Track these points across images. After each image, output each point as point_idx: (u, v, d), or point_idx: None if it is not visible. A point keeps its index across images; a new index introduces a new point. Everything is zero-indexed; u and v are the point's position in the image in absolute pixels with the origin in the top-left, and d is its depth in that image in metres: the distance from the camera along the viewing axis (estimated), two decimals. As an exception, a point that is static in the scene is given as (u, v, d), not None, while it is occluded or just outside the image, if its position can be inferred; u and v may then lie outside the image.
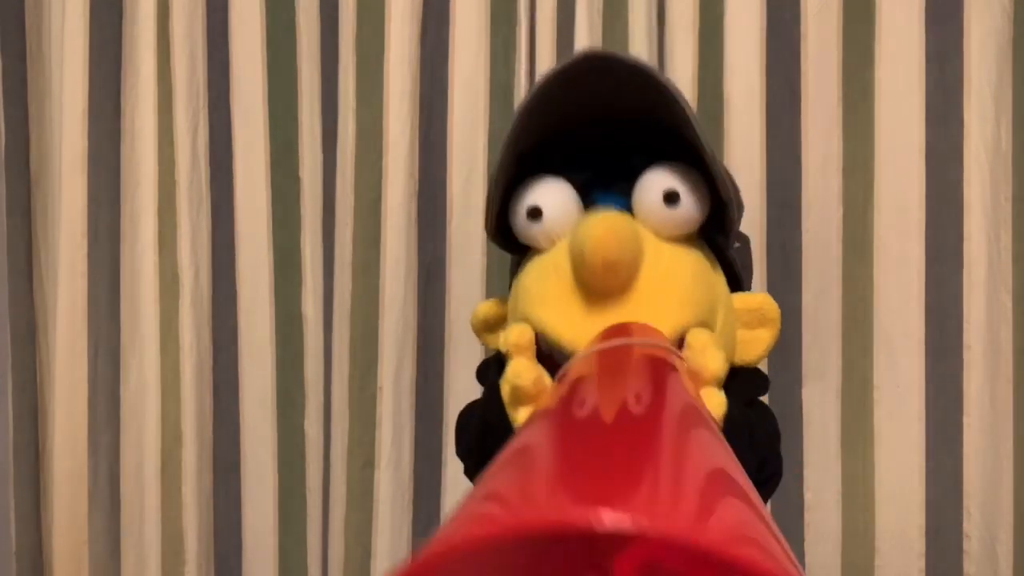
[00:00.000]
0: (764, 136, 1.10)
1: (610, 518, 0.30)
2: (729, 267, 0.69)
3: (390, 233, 1.14)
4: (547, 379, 0.60)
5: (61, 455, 1.21)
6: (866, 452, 1.11)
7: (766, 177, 1.11)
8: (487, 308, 0.73)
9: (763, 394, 0.71)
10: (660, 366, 0.54)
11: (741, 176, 1.10)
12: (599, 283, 0.60)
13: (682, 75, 1.10)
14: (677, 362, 0.56)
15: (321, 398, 1.20)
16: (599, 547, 0.49)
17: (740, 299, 0.68)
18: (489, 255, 1.15)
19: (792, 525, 1.11)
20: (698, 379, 0.57)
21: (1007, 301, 1.07)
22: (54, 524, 1.21)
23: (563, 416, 0.46)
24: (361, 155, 1.15)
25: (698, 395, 0.55)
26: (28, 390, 1.24)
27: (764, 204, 1.11)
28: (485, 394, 0.67)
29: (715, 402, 0.57)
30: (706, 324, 0.63)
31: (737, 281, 0.69)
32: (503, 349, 0.62)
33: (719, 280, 0.67)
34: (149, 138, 1.18)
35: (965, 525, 1.09)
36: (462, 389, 1.15)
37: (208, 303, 1.22)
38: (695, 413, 0.48)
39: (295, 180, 1.20)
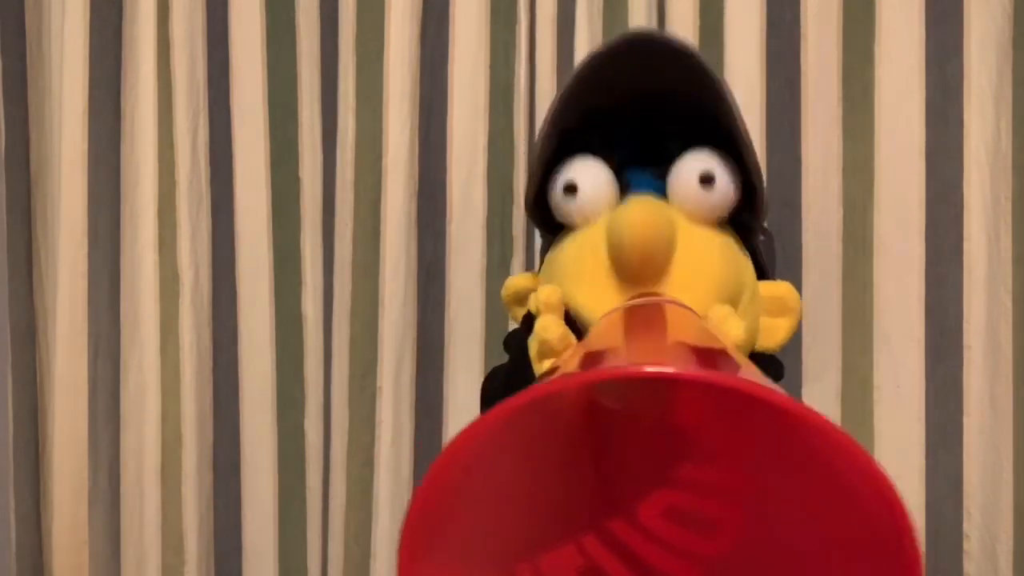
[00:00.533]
0: (764, 136, 1.10)
1: (657, 369, 0.36)
2: (754, 256, 0.71)
3: (390, 233, 1.14)
4: (572, 338, 0.61)
5: (61, 455, 1.21)
6: (866, 452, 1.11)
7: (766, 177, 1.10)
8: (519, 281, 0.74)
9: (780, 379, 0.73)
10: (691, 317, 0.56)
11: (741, 176, 1.10)
12: (634, 272, 0.62)
13: (682, 75, 1.10)
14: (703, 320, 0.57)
15: (321, 398, 1.20)
16: (625, 493, 0.52)
17: (765, 287, 0.70)
18: (489, 255, 1.15)
19: (792, 525, 1.11)
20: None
21: (1007, 301, 1.07)
22: (54, 524, 1.21)
23: (586, 352, 0.48)
24: (361, 155, 1.15)
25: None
26: (28, 390, 1.24)
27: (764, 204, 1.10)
28: (513, 352, 0.68)
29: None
30: (732, 305, 0.65)
31: (762, 271, 0.72)
32: (533, 308, 0.64)
33: (747, 264, 0.69)
34: (149, 138, 1.18)
35: (965, 525, 1.09)
36: (462, 389, 1.15)
37: (208, 303, 1.22)
38: (718, 342, 0.50)
39: (295, 180, 1.20)
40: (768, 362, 0.71)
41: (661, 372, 0.38)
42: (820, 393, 1.11)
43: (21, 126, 1.23)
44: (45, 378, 1.23)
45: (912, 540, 0.35)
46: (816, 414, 0.35)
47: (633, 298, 0.60)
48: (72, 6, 1.17)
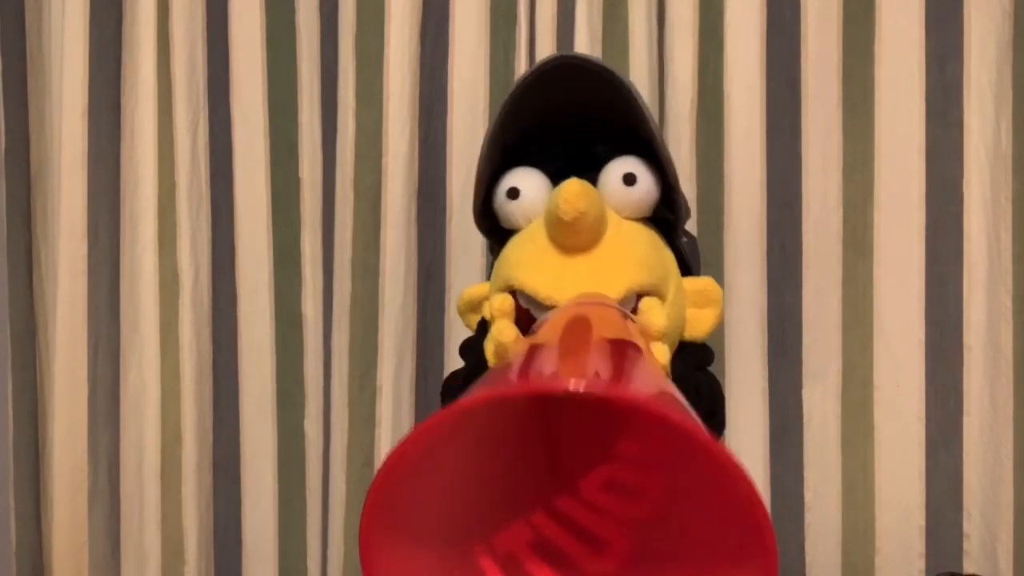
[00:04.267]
0: (764, 136, 1.10)
1: (576, 384, 0.41)
2: (679, 256, 0.78)
3: (390, 233, 1.14)
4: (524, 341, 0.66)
5: (61, 455, 1.21)
6: (866, 452, 1.11)
7: (766, 177, 1.11)
8: (472, 290, 0.81)
9: (709, 363, 0.79)
10: (615, 315, 0.63)
11: (741, 176, 1.10)
12: (569, 235, 0.69)
13: (682, 75, 1.10)
14: (630, 321, 0.65)
15: (321, 398, 1.20)
16: (573, 469, 0.59)
17: (689, 281, 0.77)
18: (489, 255, 1.15)
19: (792, 525, 1.11)
20: (647, 335, 0.65)
21: (1007, 301, 1.07)
22: (54, 524, 1.21)
23: (531, 345, 0.55)
24: (361, 155, 1.15)
25: (647, 346, 0.63)
26: (28, 390, 1.24)
27: (764, 204, 1.11)
28: (470, 355, 0.75)
29: (660, 352, 0.66)
30: (659, 289, 0.73)
31: (687, 269, 0.79)
32: (487, 314, 0.71)
33: (671, 258, 0.77)
34: (149, 138, 1.18)
35: (965, 525, 1.09)
36: (462, 389, 1.15)
37: (208, 303, 1.22)
38: (642, 348, 0.57)
39: (295, 180, 1.20)
40: (697, 348, 0.79)
41: (555, 387, 0.46)
42: (820, 393, 1.11)
43: (21, 126, 1.23)
44: (45, 378, 1.23)
45: (769, 534, 0.41)
46: (678, 418, 0.42)
47: (573, 300, 0.67)
48: (72, 6, 1.17)
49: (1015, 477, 1.07)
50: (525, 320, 0.72)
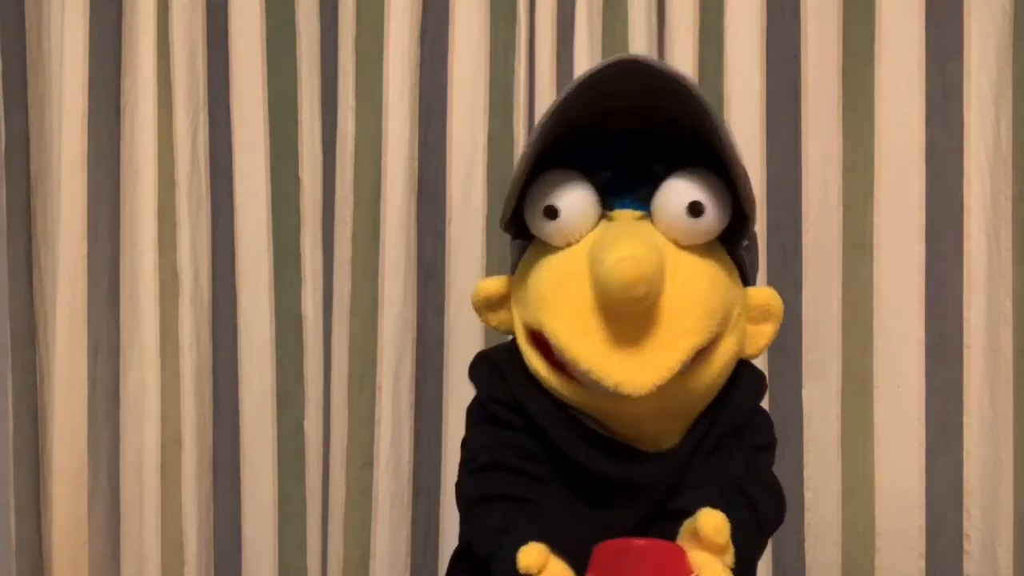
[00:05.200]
0: (764, 136, 1.10)
1: None
2: (738, 265, 0.70)
3: (390, 233, 1.14)
4: None
5: (61, 455, 1.21)
6: (866, 452, 1.11)
7: (766, 177, 1.11)
8: (490, 286, 0.72)
9: (772, 444, 0.73)
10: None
11: (741, 176, 1.10)
12: (622, 311, 0.61)
13: (682, 75, 1.10)
14: None
15: (320, 398, 1.20)
16: None
17: (751, 295, 0.69)
18: (489, 255, 1.15)
19: (792, 525, 1.11)
20: None
21: (1007, 301, 1.07)
22: (54, 524, 1.21)
23: None
24: (361, 155, 1.15)
25: None
26: (28, 390, 1.24)
27: (764, 204, 1.11)
28: (499, 552, 0.63)
29: None
30: (722, 333, 0.65)
31: (744, 279, 0.71)
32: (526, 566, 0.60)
33: (734, 281, 0.68)
34: (149, 138, 1.18)
35: (965, 525, 1.09)
36: (462, 389, 1.14)
37: (208, 303, 1.22)
38: None
39: (295, 180, 1.20)
40: (752, 373, 0.73)
41: None
42: (820, 393, 1.11)
43: (21, 126, 1.23)
44: (45, 378, 1.23)
45: None
46: None
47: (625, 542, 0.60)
48: (72, 6, 1.17)
49: (1015, 477, 1.07)
50: (549, 360, 0.66)
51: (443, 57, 1.15)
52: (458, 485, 0.72)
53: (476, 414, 0.73)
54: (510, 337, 0.72)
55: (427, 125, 1.16)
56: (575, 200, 0.65)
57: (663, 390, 0.62)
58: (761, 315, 0.69)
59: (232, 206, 1.21)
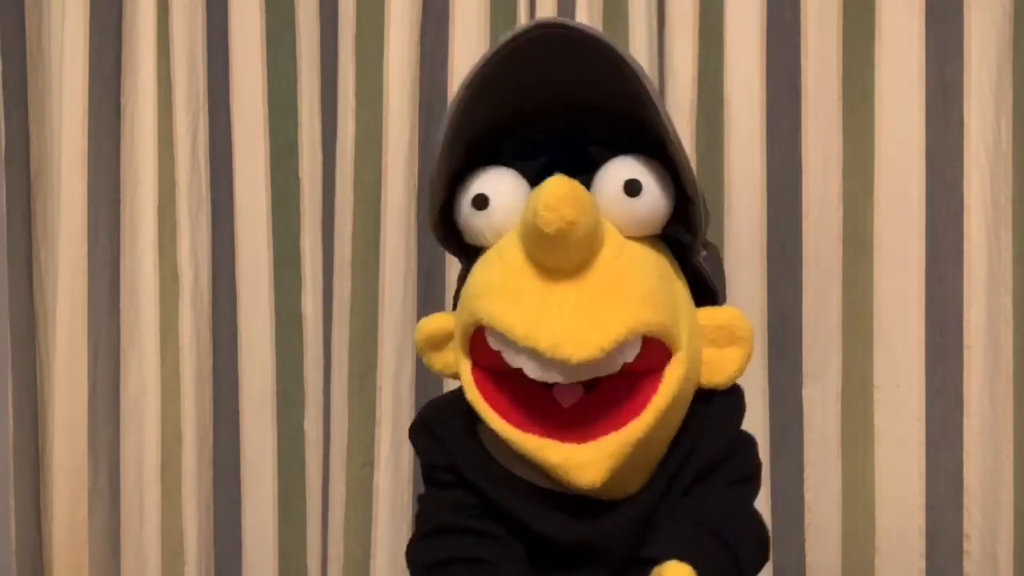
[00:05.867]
0: (764, 136, 1.10)
1: None
2: (697, 277, 0.64)
3: (390, 233, 1.14)
4: None
5: (61, 455, 1.21)
6: (866, 452, 1.11)
7: (766, 177, 1.11)
8: (432, 323, 0.65)
9: (755, 471, 0.68)
10: None
11: (741, 176, 1.10)
12: (553, 252, 0.54)
13: (682, 75, 1.10)
14: None
15: (321, 398, 1.20)
16: None
17: (706, 314, 0.63)
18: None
19: (792, 525, 1.11)
20: None
21: (1007, 301, 1.07)
22: (54, 524, 1.21)
23: None
24: (361, 155, 1.15)
25: None
26: (28, 390, 1.24)
27: (764, 204, 1.11)
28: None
29: None
30: (668, 333, 0.58)
31: (711, 293, 0.65)
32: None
33: (683, 292, 0.62)
34: (149, 138, 1.18)
35: (965, 525, 1.09)
36: (462, 389, 1.15)
37: (208, 303, 1.22)
38: None
39: (295, 180, 1.20)
40: (725, 399, 0.65)
41: None
42: (820, 393, 1.11)
43: (21, 126, 1.23)
44: (45, 378, 1.23)
45: None
46: None
47: None
48: (72, 6, 1.17)
49: (1015, 477, 1.07)
50: (498, 371, 0.58)
51: (443, 57, 1.15)
52: (408, 552, 0.66)
53: (424, 476, 0.69)
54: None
55: (427, 125, 1.15)
56: (505, 188, 0.60)
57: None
58: (726, 338, 0.63)
59: (232, 206, 1.21)
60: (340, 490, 1.16)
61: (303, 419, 1.21)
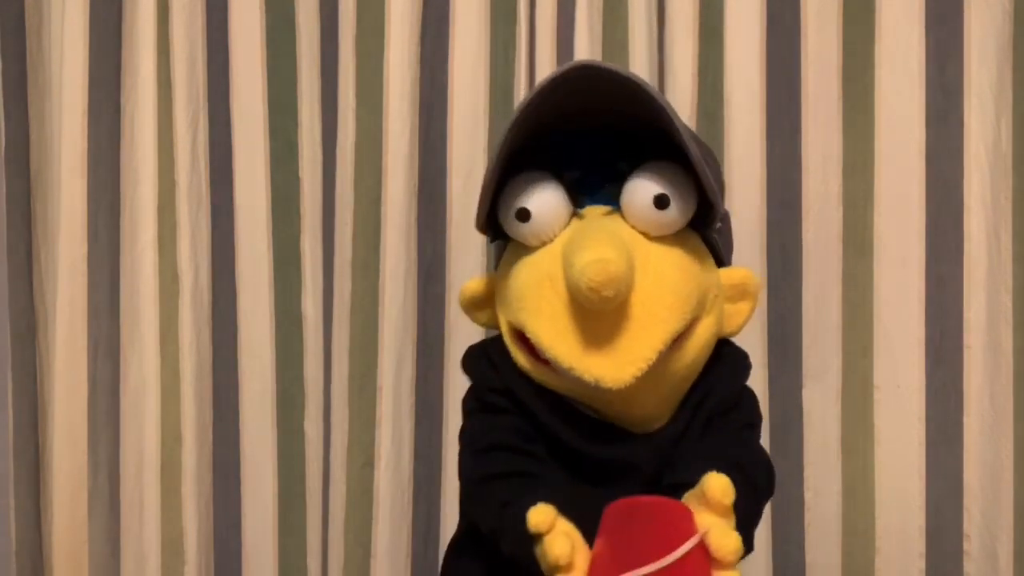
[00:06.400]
0: (764, 136, 1.10)
1: None
2: (712, 247, 0.73)
3: (390, 233, 1.14)
4: (580, 552, 0.60)
5: (61, 455, 1.21)
6: (866, 452, 1.11)
7: (766, 177, 1.11)
8: (474, 287, 0.75)
9: (747, 374, 0.77)
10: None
11: (741, 176, 1.10)
12: (594, 309, 0.63)
13: (682, 75, 1.10)
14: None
15: (321, 398, 1.20)
16: None
17: (725, 274, 0.72)
18: (489, 255, 1.15)
19: (792, 525, 1.11)
20: (720, 564, 0.58)
21: (1007, 301, 1.07)
22: (54, 524, 1.21)
23: None
24: (361, 155, 1.15)
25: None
26: (28, 390, 1.24)
27: (764, 204, 1.11)
28: (508, 524, 0.65)
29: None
30: (698, 316, 0.68)
31: (719, 260, 0.74)
32: (533, 527, 0.61)
33: (707, 264, 0.71)
34: (149, 138, 1.18)
35: (965, 525, 1.09)
36: (462, 388, 1.14)
37: (208, 303, 1.22)
38: None
39: (295, 180, 1.20)
40: (735, 355, 0.76)
41: None
42: (820, 393, 1.11)
43: (21, 126, 1.23)
44: (45, 378, 1.23)
45: None
46: None
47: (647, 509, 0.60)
48: (72, 6, 1.17)
49: (1015, 477, 1.07)
50: (533, 355, 0.68)
51: (443, 57, 1.15)
52: (460, 468, 0.74)
53: (471, 405, 0.76)
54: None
55: (427, 125, 1.16)
56: (545, 201, 0.67)
57: (644, 377, 0.65)
58: (738, 294, 0.73)
59: (232, 206, 1.21)
60: (340, 490, 1.16)
61: (303, 419, 1.21)
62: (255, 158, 1.21)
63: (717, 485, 0.59)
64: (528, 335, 0.67)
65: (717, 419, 0.73)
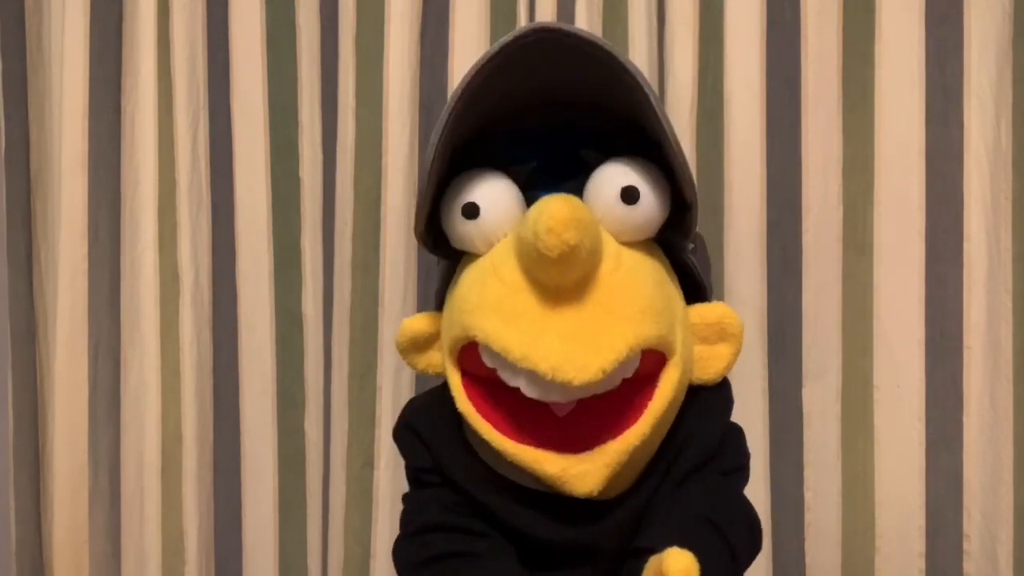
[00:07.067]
0: (764, 136, 1.10)
1: None
2: (686, 271, 0.64)
3: (390, 233, 1.14)
4: None
5: (61, 455, 1.21)
6: (866, 452, 1.11)
7: (766, 177, 1.11)
8: (416, 324, 0.65)
9: (743, 465, 0.68)
10: None
11: (741, 176, 1.10)
12: (553, 272, 0.53)
13: (682, 75, 1.10)
14: None
15: (321, 398, 1.20)
16: None
17: (697, 312, 0.62)
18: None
19: (792, 525, 1.11)
20: None
21: (1007, 301, 1.07)
22: (54, 524, 1.21)
23: None
24: (361, 155, 1.15)
25: None
26: (28, 390, 1.24)
27: (764, 204, 1.11)
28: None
29: None
30: (665, 341, 0.58)
31: (698, 288, 0.64)
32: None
33: (677, 294, 0.62)
34: (149, 138, 1.18)
35: (965, 525, 1.09)
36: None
37: (208, 303, 1.22)
38: None
39: (295, 180, 1.20)
40: (714, 393, 0.64)
41: None
42: (820, 393, 1.11)
43: (21, 126, 1.23)
44: (45, 378, 1.23)
45: None
46: None
47: None
48: (72, 6, 1.17)
49: (1015, 477, 1.07)
50: (489, 381, 0.57)
51: (443, 57, 1.15)
52: (394, 552, 0.66)
53: (409, 476, 0.69)
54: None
55: (427, 125, 1.15)
56: (496, 196, 0.58)
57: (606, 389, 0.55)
58: (716, 335, 0.62)
59: (232, 206, 1.21)
60: (340, 490, 1.16)
61: (303, 419, 1.21)
62: (255, 158, 1.21)
63: (679, 565, 0.50)
64: (473, 336, 0.57)
65: (694, 474, 0.63)
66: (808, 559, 1.12)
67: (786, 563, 1.11)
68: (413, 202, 1.14)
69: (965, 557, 1.09)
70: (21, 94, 1.23)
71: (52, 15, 1.20)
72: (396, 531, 1.14)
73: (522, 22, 1.13)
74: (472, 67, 0.56)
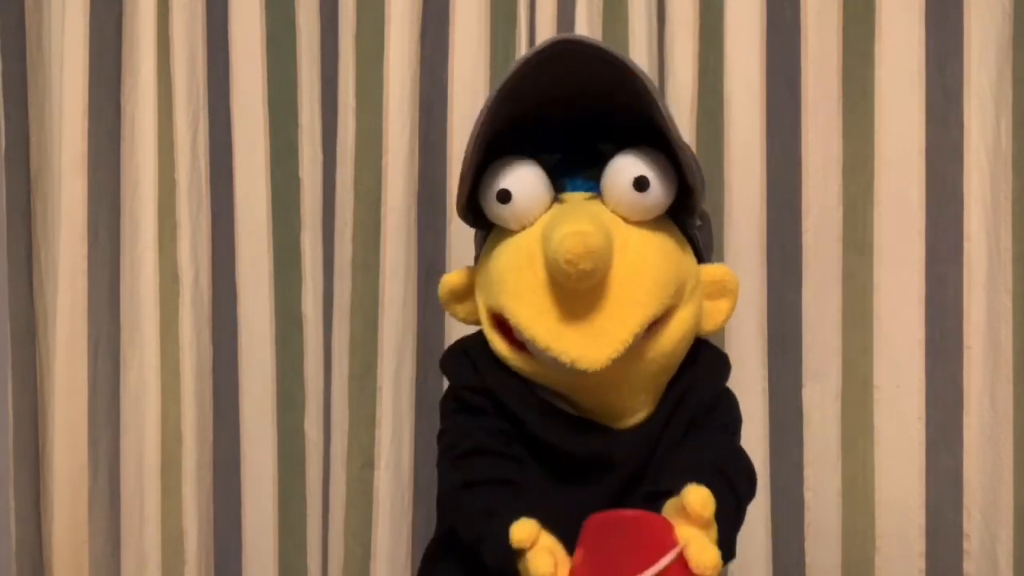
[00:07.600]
0: (764, 136, 1.10)
1: None
2: (692, 243, 0.73)
3: (390, 233, 1.14)
4: (564, 567, 0.61)
5: (61, 455, 1.21)
6: (866, 452, 1.11)
7: (766, 177, 1.11)
8: (455, 278, 0.76)
9: (727, 375, 0.77)
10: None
11: (741, 176, 1.10)
12: (572, 284, 0.63)
13: (682, 75, 1.10)
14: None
15: (321, 398, 1.20)
16: None
17: (705, 270, 0.72)
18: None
19: (792, 525, 1.11)
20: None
21: (1007, 301, 1.07)
22: (54, 524, 1.21)
23: None
24: (361, 155, 1.15)
25: None
26: (28, 390, 1.24)
27: (764, 204, 1.11)
28: (489, 534, 0.65)
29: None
30: (675, 306, 0.68)
31: (699, 257, 0.74)
32: (516, 542, 0.61)
33: (686, 256, 0.71)
34: (149, 138, 1.18)
35: (965, 525, 1.09)
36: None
37: (208, 303, 1.22)
38: None
39: (295, 180, 1.20)
40: (715, 356, 0.75)
41: None
42: (820, 393, 1.11)
43: (21, 126, 1.23)
44: (45, 378, 1.23)
45: None
46: None
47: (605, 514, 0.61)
48: (72, 6, 1.17)
49: (1015, 477, 1.07)
50: (512, 341, 0.69)
51: (443, 57, 1.15)
52: (440, 474, 0.75)
53: (450, 405, 0.76)
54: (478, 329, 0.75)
55: (427, 125, 1.16)
56: (526, 183, 0.68)
57: (620, 362, 0.65)
58: (717, 291, 0.72)
59: (232, 206, 1.21)
60: (340, 490, 1.16)
61: (303, 419, 1.21)
62: (255, 158, 1.21)
63: (697, 498, 0.59)
64: (507, 316, 0.67)
65: (698, 420, 0.73)
66: (808, 559, 1.12)
67: (786, 563, 1.11)
68: (413, 202, 1.15)
69: (965, 557, 1.09)
70: (21, 94, 1.23)
71: (52, 15, 1.20)
72: (396, 531, 1.16)
73: (522, 22, 1.13)
74: (508, 71, 0.66)
